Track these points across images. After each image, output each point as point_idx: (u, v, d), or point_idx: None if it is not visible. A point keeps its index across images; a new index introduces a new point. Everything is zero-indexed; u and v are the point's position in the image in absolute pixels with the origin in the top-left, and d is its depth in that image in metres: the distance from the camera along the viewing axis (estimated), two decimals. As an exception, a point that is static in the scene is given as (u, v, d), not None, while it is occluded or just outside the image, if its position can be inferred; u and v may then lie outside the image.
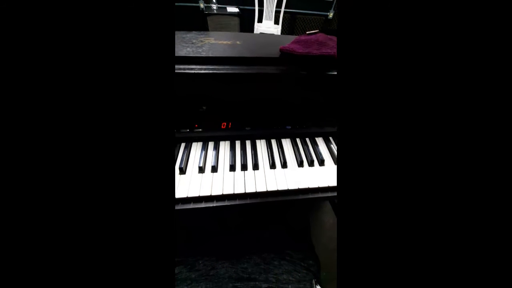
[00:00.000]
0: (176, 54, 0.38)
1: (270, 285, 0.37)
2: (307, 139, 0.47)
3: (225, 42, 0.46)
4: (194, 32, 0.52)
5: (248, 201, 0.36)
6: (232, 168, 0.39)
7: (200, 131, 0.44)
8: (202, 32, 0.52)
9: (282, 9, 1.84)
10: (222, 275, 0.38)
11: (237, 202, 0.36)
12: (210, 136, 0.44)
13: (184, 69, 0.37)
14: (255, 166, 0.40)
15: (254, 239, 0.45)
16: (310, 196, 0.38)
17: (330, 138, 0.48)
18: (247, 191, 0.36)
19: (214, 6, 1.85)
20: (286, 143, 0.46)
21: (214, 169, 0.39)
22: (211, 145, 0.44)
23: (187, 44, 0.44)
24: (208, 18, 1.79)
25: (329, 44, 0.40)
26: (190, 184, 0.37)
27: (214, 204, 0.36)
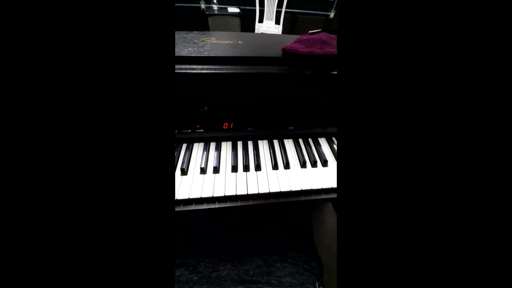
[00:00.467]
0: (177, 54, 0.38)
1: (273, 288, 0.36)
2: (310, 140, 0.46)
3: (226, 42, 0.45)
4: (195, 32, 0.51)
5: (250, 202, 0.36)
6: (234, 169, 0.39)
7: (201, 132, 0.43)
8: (203, 32, 0.52)
9: (283, 9, 1.84)
10: (223, 278, 0.38)
11: (239, 203, 0.36)
12: (212, 136, 0.44)
13: (185, 69, 0.36)
14: (257, 167, 0.39)
15: (256, 240, 0.44)
16: (313, 197, 0.37)
17: (333, 139, 0.48)
18: (249, 193, 0.35)
19: (215, 7, 1.85)
20: (289, 144, 0.45)
21: (216, 170, 0.39)
22: (212, 145, 0.44)
23: (189, 44, 0.43)
24: (209, 19, 1.79)
25: (332, 43, 0.39)
26: (191, 185, 0.36)
27: (216, 205, 0.35)
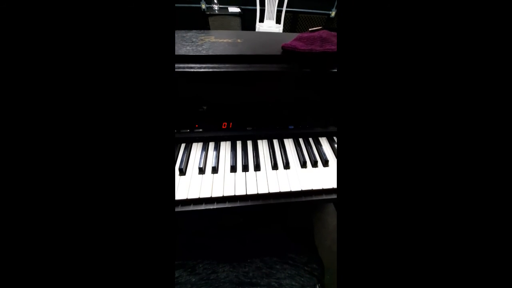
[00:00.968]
0: (175, 53, 0.38)
1: (273, 290, 0.36)
2: (310, 139, 0.46)
3: (225, 40, 0.45)
4: (194, 31, 0.51)
5: (249, 203, 0.35)
6: (233, 169, 0.38)
7: (200, 131, 0.43)
8: (202, 31, 0.51)
9: (284, 9, 1.83)
10: (223, 279, 0.37)
11: (238, 204, 0.35)
12: (211, 136, 0.43)
13: (183, 67, 0.36)
14: (257, 167, 0.39)
15: (256, 241, 0.43)
16: (314, 198, 0.37)
17: (334, 138, 0.47)
18: (248, 193, 0.35)
19: (216, 7, 1.85)
20: (289, 144, 0.44)
21: (215, 170, 0.38)
22: (211, 145, 0.43)
23: (187, 42, 0.43)
24: (210, 19, 1.79)
25: (333, 40, 0.38)
26: (190, 185, 0.36)
27: (215, 206, 0.35)
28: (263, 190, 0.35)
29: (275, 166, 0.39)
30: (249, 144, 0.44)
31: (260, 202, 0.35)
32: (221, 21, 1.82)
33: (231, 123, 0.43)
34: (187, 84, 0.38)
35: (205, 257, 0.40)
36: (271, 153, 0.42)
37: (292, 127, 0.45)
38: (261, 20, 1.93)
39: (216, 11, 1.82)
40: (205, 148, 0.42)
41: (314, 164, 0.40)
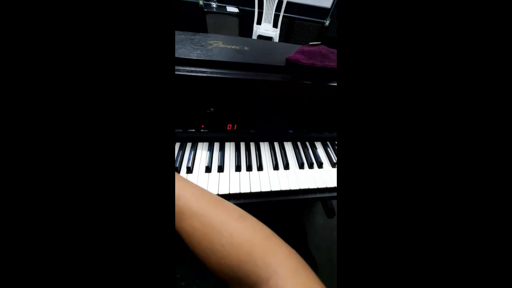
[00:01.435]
0: (187, 56, 0.39)
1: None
2: (307, 143, 0.50)
3: (233, 47, 0.48)
4: (201, 34, 0.53)
5: (252, 200, 0.39)
6: (238, 168, 0.41)
7: (206, 132, 0.45)
8: (208, 35, 0.54)
9: (281, 13, 1.88)
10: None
11: (242, 201, 0.38)
12: (216, 136, 0.46)
13: (196, 71, 0.38)
14: (260, 167, 0.42)
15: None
16: (310, 196, 0.41)
17: (328, 143, 0.52)
18: (252, 191, 0.38)
19: (214, 5, 1.84)
20: (288, 146, 0.48)
21: (221, 169, 0.41)
22: (216, 145, 0.45)
23: (197, 46, 0.45)
24: (207, 16, 1.77)
25: (331, 57, 0.43)
26: (197, 183, 0.38)
27: (221, 202, 0.37)
28: (265, 188, 0.39)
29: (276, 167, 0.43)
30: (252, 145, 0.47)
31: (262, 200, 0.39)
32: (218, 20, 1.81)
33: (235, 125, 0.46)
34: (198, 86, 0.40)
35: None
36: (273, 155, 0.45)
37: (292, 131, 0.49)
38: (259, 23, 1.96)
39: (214, 9, 1.81)
40: (211, 148, 0.44)
41: (310, 166, 0.45)
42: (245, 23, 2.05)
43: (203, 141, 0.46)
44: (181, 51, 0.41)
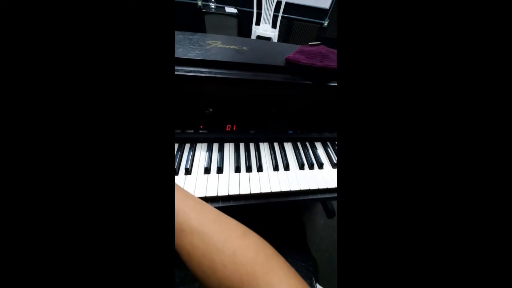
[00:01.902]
0: (185, 56, 0.39)
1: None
2: (307, 144, 0.50)
3: (232, 47, 0.47)
4: (199, 34, 0.52)
5: (252, 201, 0.38)
6: (238, 169, 0.41)
7: (205, 133, 0.44)
8: (207, 35, 0.53)
9: (280, 14, 1.89)
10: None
11: (242, 202, 0.38)
12: (215, 137, 0.45)
13: (194, 71, 0.37)
14: (260, 168, 0.42)
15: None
16: (311, 197, 0.41)
17: (328, 143, 0.52)
18: (252, 192, 0.38)
19: (212, 5, 1.84)
20: (288, 147, 0.48)
21: (220, 170, 0.40)
22: (215, 146, 0.45)
23: (195, 46, 0.44)
24: (206, 17, 1.77)
25: (331, 57, 0.43)
26: (196, 184, 0.37)
27: (220, 204, 0.37)
28: (265, 189, 0.38)
29: (276, 168, 0.42)
30: (252, 146, 0.46)
31: (262, 201, 0.38)
32: (217, 20, 1.81)
33: (235, 126, 0.45)
34: (196, 86, 0.40)
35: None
36: (272, 156, 0.45)
37: (291, 132, 0.49)
38: (258, 23, 1.96)
39: (213, 9, 1.81)
40: (209, 149, 0.44)
41: (311, 166, 0.44)
42: (243, 24, 2.05)
43: (202, 142, 0.45)
44: (179, 51, 0.41)
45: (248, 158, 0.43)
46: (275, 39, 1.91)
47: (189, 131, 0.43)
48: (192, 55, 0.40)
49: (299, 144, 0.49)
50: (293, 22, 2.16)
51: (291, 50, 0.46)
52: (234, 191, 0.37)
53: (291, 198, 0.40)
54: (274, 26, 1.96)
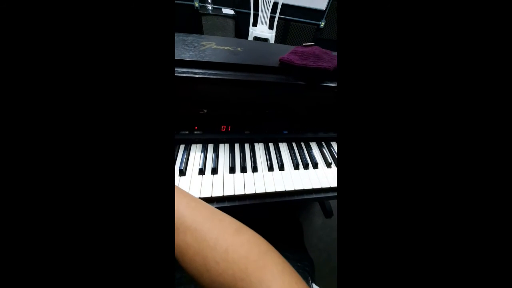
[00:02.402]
0: (179, 57, 0.39)
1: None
2: (302, 144, 0.50)
3: (226, 48, 0.47)
4: (194, 35, 0.52)
5: (247, 202, 0.38)
6: (232, 170, 0.41)
7: (199, 133, 0.44)
8: (202, 36, 0.53)
9: (277, 15, 1.90)
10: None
11: (236, 203, 0.38)
12: (210, 138, 0.45)
13: (187, 72, 0.37)
14: (254, 169, 0.42)
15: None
16: (305, 197, 0.41)
17: (323, 143, 0.52)
18: (247, 193, 0.38)
19: (209, 7, 1.84)
20: (283, 147, 0.48)
21: (215, 171, 0.40)
22: (210, 147, 0.45)
23: (189, 47, 0.44)
24: (203, 18, 1.78)
25: (324, 58, 0.43)
26: (190, 185, 0.37)
27: (214, 205, 0.37)
28: (260, 189, 0.38)
29: (271, 168, 0.43)
30: (247, 147, 0.46)
31: (257, 201, 0.38)
32: (214, 22, 1.82)
33: (229, 127, 0.45)
34: (190, 87, 0.40)
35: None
36: (267, 156, 0.45)
37: (286, 132, 0.49)
38: (255, 24, 1.97)
39: (210, 11, 1.82)
40: (204, 150, 0.44)
41: (306, 166, 0.44)
42: (241, 25, 2.06)
43: (196, 143, 0.45)
44: (173, 52, 0.41)
45: (243, 158, 0.43)
46: (272, 40, 1.92)
47: (183, 132, 0.43)
48: (186, 56, 0.40)
49: (294, 144, 0.49)
50: (290, 23, 2.17)
51: (285, 51, 0.46)
52: (228, 192, 0.37)
53: (286, 198, 0.40)
54: (271, 27, 1.97)
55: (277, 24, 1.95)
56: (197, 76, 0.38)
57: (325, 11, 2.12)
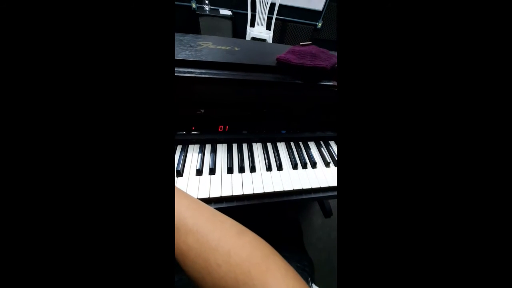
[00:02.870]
0: (175, 57, 0.39)
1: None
2: (300, 143, 0.50)
3: (223, 48, 0.47)
4: (191, 35, 0.52)
5: (245, 202, 0.38)
6: (230, 170, 0.40)
7: (197, 134, 0.44)
8: (198, 36, 0.53)
9: (274, 16, 1.91)
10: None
11: (234, 204, 0.37)
12: (207, 138, 0.45)
13: (184, 72, 0.37)
14: (252, 169, 0.41)
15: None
16: (304, 196, 0.40)
17: (321, 142, 0.52)
18: (245, 193, 0.37)
19: (207, 7, 1.84)
20: (281, 147, 0.48)
21: (212, 171, 0.40)
22: (208, 147, 0.44)
23: (186, 47, 0.44)
24: (200, 19, 1.78)
25: (321, 57, 0.43)
26: (187, 186, 0.37)
27: (212, 206, 0.36)
28: (258, 190, 0.38)
29: (269, 168, 0.42)
30: (245, 147, 0.46)
31: (255, 202, 0.38)
32: (211, 23, 1.82)
33: (227, 127, 0.45)
34: (186, 87, 0.39)
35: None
36: (265, 156, 0.44)
37: (284, 131, 0.48)
38: (252, 25, 1.97)
39: (207, 11, 1.82)
40: (202, 150, 0.43)
41: (304, 166, 0.44)
42: (238, 26, 2.06)
43: (194, 143, 0.45)
44: (169, 52, 0.40)
45: (241, 158, 0.43)
46: (269, 41, 1.92)
47: (180, 132, 0.43)
48: (183, 55, 0.40)
49: (292, 143, 0.49)
50: (287, 24, 2.18)
51: (282, 50, 0.46)
52: (226, 193, 0.37)
53: (285, 198, 0.40)
54: (268, 27, 1.97)
55: (274, 25, 1.95)
56: (193, 75, 0.37)
57: (322, 11, 2.13)
